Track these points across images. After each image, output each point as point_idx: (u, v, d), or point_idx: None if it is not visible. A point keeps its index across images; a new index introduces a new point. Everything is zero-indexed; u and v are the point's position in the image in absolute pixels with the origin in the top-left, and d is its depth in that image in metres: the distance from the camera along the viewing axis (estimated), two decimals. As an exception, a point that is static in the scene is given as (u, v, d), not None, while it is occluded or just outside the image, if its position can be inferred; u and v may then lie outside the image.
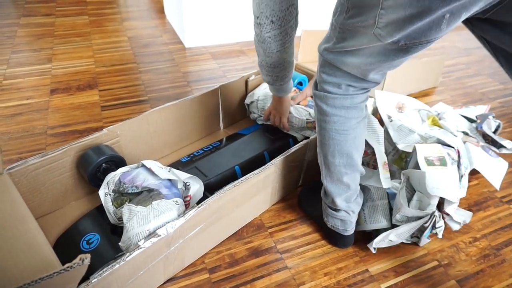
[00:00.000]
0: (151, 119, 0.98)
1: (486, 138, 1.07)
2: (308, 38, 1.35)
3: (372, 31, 0.56)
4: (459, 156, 0.91)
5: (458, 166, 0.91)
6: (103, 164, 0.86)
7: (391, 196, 0.86)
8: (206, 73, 1.60)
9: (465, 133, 1.07)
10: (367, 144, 0.86)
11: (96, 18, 2.13)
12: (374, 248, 0.82)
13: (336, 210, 0.80)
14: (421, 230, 0.82)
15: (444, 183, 0.84)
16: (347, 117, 0.71)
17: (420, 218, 0.79)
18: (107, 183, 0.80)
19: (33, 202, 0.82)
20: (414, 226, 0.79)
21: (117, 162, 0.88)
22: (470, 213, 0.90)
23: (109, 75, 1.53)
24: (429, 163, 0.88)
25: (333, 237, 0.85)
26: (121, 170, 0.82)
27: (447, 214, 0.84)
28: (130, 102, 1.36)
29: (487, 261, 0.85)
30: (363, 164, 0.86)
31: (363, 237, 0.86)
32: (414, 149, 0.89)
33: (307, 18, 2.01)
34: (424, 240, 0.84)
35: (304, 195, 0.96)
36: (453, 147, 0.92)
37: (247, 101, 1.19)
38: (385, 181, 0.82)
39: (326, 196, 0.81)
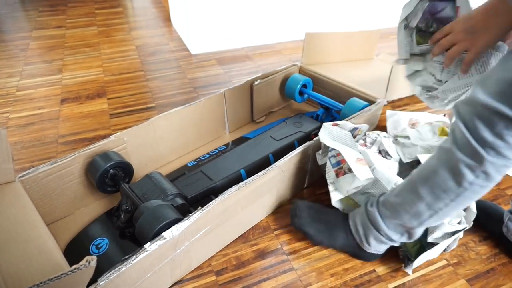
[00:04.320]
0: (157, 125, 1.00)
1: None
2: (312, 41, 1.35)
3: None
4: None
5: None
6: (111, 170, 0.87)
7: None
8: (212, 79, 1.62)
9: None
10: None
11: (104, 28, 2.18)
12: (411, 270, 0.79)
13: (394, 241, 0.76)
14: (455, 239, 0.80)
15: None
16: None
17: (457, 231, 0.76)
18: (407, 17, 0.69)
19: (44, 208, 0.84)
20: (452, 238, 0.76)
21: (124, 168, 0.90)
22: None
23: (117, 84, 1.57)
24: None
25: (368, 257, 0.82)
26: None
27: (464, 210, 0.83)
28: (138, 109, 1.38)
29: (498, 260, 0.83)
30: (345, 172, 0.83)
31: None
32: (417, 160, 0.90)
33: (310, 20, 2.02)
34: (453, 246, 0.82)
35: (314, 229, 0.84)
36: None
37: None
38: (361, 174, 0.78)
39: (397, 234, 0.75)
